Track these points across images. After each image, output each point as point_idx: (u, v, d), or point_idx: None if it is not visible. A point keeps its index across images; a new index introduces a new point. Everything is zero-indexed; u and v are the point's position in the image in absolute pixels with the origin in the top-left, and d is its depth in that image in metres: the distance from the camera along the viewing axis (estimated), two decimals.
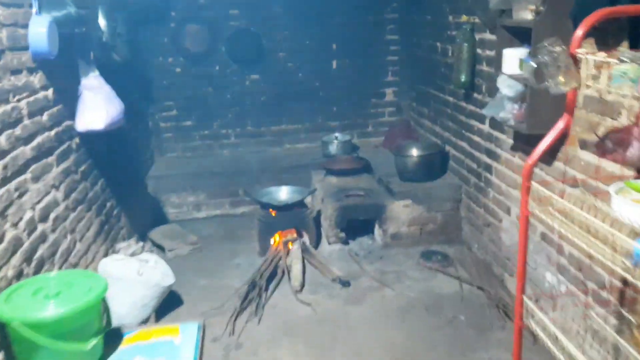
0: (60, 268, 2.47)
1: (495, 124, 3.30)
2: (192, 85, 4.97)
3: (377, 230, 4.06)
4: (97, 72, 2.96)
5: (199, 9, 4.82)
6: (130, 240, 3.20)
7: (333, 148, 4.89)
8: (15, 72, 2.28)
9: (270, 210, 3.90)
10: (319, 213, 4.23)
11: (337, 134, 5.08)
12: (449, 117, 4.12)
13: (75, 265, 2.67)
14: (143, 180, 4.51)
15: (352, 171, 4.47)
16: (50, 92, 2.59)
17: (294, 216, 3.91)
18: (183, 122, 5.07)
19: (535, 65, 1.75)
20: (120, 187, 3.65)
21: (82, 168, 2.92)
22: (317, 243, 4.04)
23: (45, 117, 2.54)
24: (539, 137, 1.94)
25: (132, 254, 3.06)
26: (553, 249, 2.76)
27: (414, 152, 4.03)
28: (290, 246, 3.83)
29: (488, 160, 3.49)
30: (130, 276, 2.98)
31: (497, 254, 3.47)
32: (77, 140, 2.89)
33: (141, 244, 3.12)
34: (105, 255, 3.17)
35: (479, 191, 3.67)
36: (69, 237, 2.61)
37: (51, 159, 2.53)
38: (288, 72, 5.08)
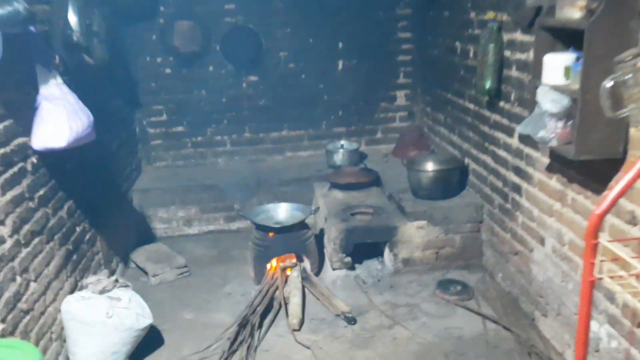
0: (3, 320, 2.03)
1: (527, 138, 2.83)
2: (183, 88, 4.51)
3: (388, 254, 3.60)
4: (59, 80, 2.50)
5: (191, 4, 4.34)
6: (100, 274, 2.76)
7: (338, 158, 4.43)
8: None
9: (268, 232, 3.45)
10: (321, 232, 3.77)
11: (343, 142, 4.61)
12: (470, 127, 3.64)
13: (27, 312, 2.23)
14: (126, 194, 4.07)
15: (359, 185, 4.01)
16: None
17: (293, 239, 3.45)
18: (173, 128, 4.61)
19: (610, 85, 1.28)
20: (95, 207, 3.20)
21: (41, 192, 2.47)
22: (319, 267, 3.59)
23: None
24: (589, 163, 1.49)
25: (102, 291, 2.62)
26: (600, 293, 2.30)
27: (430, 166, 3.56)
28: (288, 273, 3.38)
29: (516, 180, 3.02)
30: (98, 319, 2.54)
31: (526, 288, 3.01)
32: (33, 159, 2.44)
33: (113, 278, 2.68)
34: (73, 290, 2.74)
35: (505, 214, 3.20)
36: (18, 279, 2.17)
37: None
38: (289, 74, 4.61)
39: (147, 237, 4.17)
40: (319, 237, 3.73)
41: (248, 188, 4.32)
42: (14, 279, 2.14)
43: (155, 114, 4.55)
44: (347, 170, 4.14)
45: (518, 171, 3.00)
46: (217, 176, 4.44)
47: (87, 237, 3.05)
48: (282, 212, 3.66)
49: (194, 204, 4.30)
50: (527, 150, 2.88)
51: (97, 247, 3.21)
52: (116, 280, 2.73)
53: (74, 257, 2.82)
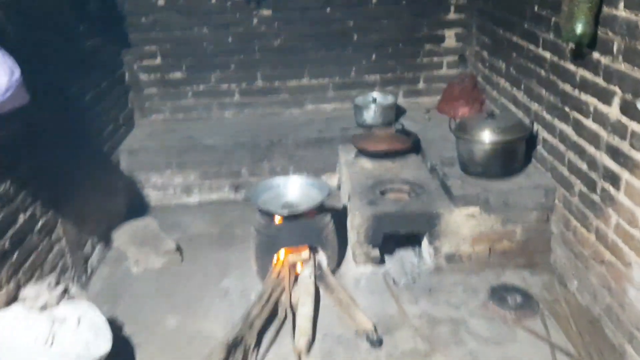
0: None
1: (633, 109, 1.96)
2: (181, 23, 3.68)
3: (426, 247, 2.84)
4: None
5: None
6: (43, 282, 2.09)
7: (369, 115, 3.59)
8: None
9: (275, 217, 2.70)
10: (344, 210, 3.01)
11: (375, 94, 3.76)
12: (543, 82, 2.74)
13: None
14: (110, 155, 3.37)
15: (393, 153, 3.19)
16: None
17: (306, 226, 2.71)
18: (170, 74, 3.82)
19: None
20: (53, 181, 2.52)
21: None
22: (339, 260, 2.86)
23: None
24: None
25: (43, 308, 1.97)
26: None
27: (487, 136, 2.70)
28: (299, 270, 2.68)
29: (613, 166, 2.16)
30: (34, 347, 1.90)
31: (615, 311, 2.21)
32: None
33: (59, 289, 2.03)
34: (10, 302, 2.09)
35: (590, 207, 2.36)
36: None
37: None
38: (312, 7, 3.70)
39: (137, 207, 3.51)
40: (341, 216, 2.97)
41: (258, 149, 3.56)
42: None
43: (148, 56, 3.75)
44: (378, 134, 3.30)
45: (616, 154, 2.13)
46: (222, 133, 3.68)
47: (39, 225, 2.37)
48: (294, 189, 2.89)
49: (193, 168, 3.58)
50: (634, 125, 2.00)
51: (57, 234, 2.54)
52: (64, 292, 2.06)
53: (14, 257, 2.15)
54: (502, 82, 3.31)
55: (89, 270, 2.86)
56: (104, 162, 3.27)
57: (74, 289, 2.13)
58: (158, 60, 3.76)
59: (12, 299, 2.10)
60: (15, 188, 2.21)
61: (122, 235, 3.08)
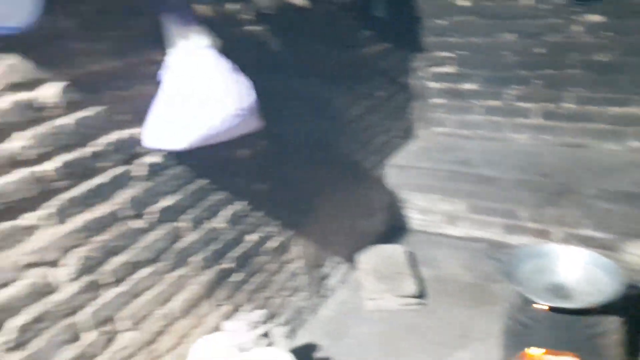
0: None
1: None
2: (482, 28, 3.14)
3: None
4: (203, 40, 1.62)
5: None
6: (248, 315, 1.93)
7: None
8: None
9: (536, 305, 2.03)
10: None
11: None
12: None
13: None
14: (377, 169, 3.13)
15: None
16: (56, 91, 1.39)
17: (580, 325, 1.96)
18: (461, 84, 3.33)
19: None
20: (294, 200, 2.40)
21: (161, 203, 1.74)
22: None
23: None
24: None
25: (242, 348, 1.83)
26: None
27: None
28: None
29: None
30: None
31: None
32: (144, 159, 1.69)
33: (261, 330, 1.86)
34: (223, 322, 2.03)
35: None
36: (108, 326, 1.54)
37: None
38: None
39: (395, 228, 3.22)
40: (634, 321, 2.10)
41: (546, 190, 2.84)
42: (75, 339, 1.51)
43: (439, 63, 3.33)
44: None
45: None
46: (505, 163, 3.05)
47: (265, 244, 2.27)
48: (572, 265, 2.14)
49: (462, 197, 3.08)
50: None
51: (296, 252, 2.42)
52: (264, 335, 1.89)
53: (229, 278, 2.08)
54: None
55: (324, 293, 2.71)
56: (366, 175, 3.05)
57: (277, 334, 1.94)
58: (450, 68, 3.32)
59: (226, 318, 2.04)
60: (241, 210, 2.12)
61: (366, 261, 2.83)
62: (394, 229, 3.23)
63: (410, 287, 2.63)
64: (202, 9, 1.74)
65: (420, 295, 2.65)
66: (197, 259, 1.90)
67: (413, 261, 2.89)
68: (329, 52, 2.50)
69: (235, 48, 1.74)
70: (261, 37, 2.04)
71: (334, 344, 2.43)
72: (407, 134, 3.46)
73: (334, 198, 2.70)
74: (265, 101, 1.77)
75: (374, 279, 2.70)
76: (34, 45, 1.29)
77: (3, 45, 1.22)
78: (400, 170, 3.21)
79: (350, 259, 2.89)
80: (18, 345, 1.33)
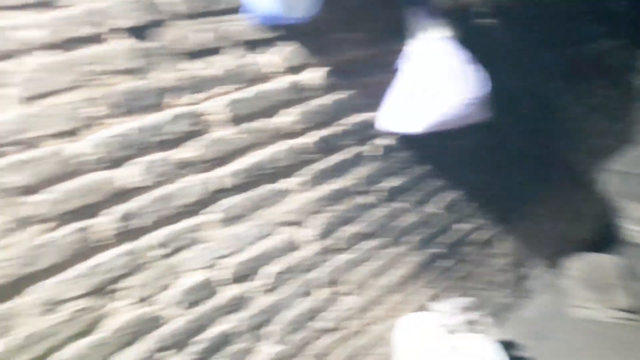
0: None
1: None
2: None
3: None
4: (443, 31, 1.72)
5: None
6: (458, 301, 1.98)
7: None
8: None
9: None
10: None
11: None
12: None
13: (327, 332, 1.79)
14: (594, 174, 2.95)
15: None
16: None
17: None
18: None
19: None
20: (511, 196, 2.38)
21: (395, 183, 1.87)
22: None
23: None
24: None
25: (452, 330, 1.90)
26: None
27: None
28: None
29: None
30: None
31: None
32: (379, 141, 1.83)
33: (469, 316, 1.89)
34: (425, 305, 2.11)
35: None
36: (325, 290, 1.73)
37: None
38: None
39: (607, 238, 3.00)
40: None
41: None
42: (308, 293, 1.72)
43: None
44: None
45: None
46: None
47: (473, 235, 2.30)
48: None
49: None
50: None
51: (496, 249, 2.42)
52: (473, 322, 1.94)
53: (438, 262, 2.15)
54: None
55: (525, 294, 2.64)
56: (580, 179, 2.89)
57: (485, 323, 1.97)
58: None
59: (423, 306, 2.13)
60: (461, 199, 2.18)
61: (575, 268, 2.69)
62: (606, 239, 3.00)
63: (620, 300, 2.45)
64: (443, 1, 1.83)
65: (636, 310, 2.45)
66: (413, 239, 2.01)
67: (628, 274, 2.67)
68: (553, 48, 2.43)
69: (469, 40, 1.81)
70: (493, 30, 2.07)
71: (537, 345, 2.37)
72: (626, 138, 3.19)
73: (544, 199, 2.62)
74: (489, 93, 1.80)
75: (583, 287, 2.57)
76: (308, 34, 1.51)
77: (287, 34, 1.46)
78: (621, 177, 2.98)
79: (553, 263, 2.77)
80: (272, 289, 1.57)
